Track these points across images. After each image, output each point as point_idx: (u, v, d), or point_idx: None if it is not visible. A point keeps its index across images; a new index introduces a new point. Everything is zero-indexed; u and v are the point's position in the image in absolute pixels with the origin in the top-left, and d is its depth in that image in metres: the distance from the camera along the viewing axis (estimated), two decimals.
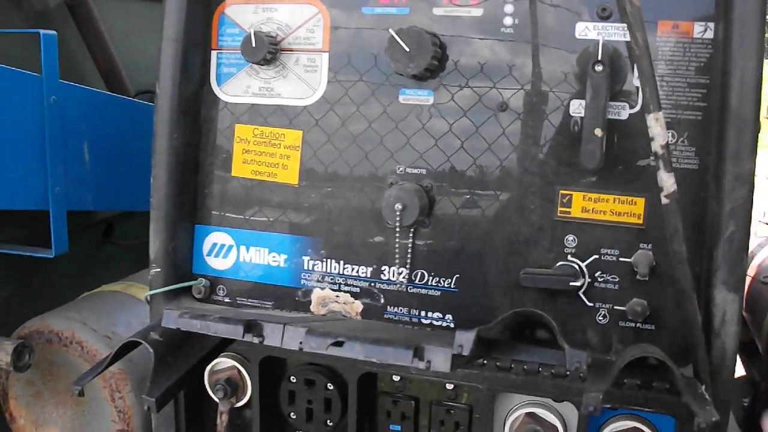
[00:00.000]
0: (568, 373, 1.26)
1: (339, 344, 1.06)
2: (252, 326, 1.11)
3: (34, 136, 1.80)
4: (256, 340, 1.11)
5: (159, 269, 1.42)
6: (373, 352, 1.06)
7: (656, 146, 1.13)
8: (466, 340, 1.04)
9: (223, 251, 1.43)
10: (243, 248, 1.41)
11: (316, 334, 1.08)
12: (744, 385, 2.24)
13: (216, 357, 1.27)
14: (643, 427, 1.31)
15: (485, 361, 1.29)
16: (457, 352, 1.04)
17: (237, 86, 1.41)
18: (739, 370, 1.93)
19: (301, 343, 1.08)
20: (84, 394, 1.18)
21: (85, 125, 1.96)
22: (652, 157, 1.15)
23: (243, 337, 1.10)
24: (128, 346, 1.23)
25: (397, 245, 1.32)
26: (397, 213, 1.28)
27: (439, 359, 1.05)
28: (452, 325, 1.33)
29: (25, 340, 1.86)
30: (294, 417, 1.47)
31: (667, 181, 1.13)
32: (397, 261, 1.33)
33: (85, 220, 1.94)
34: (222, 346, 1.28)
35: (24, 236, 2.12)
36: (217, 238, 1.43)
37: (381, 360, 1.06)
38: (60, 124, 1.83)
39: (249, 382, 1.47)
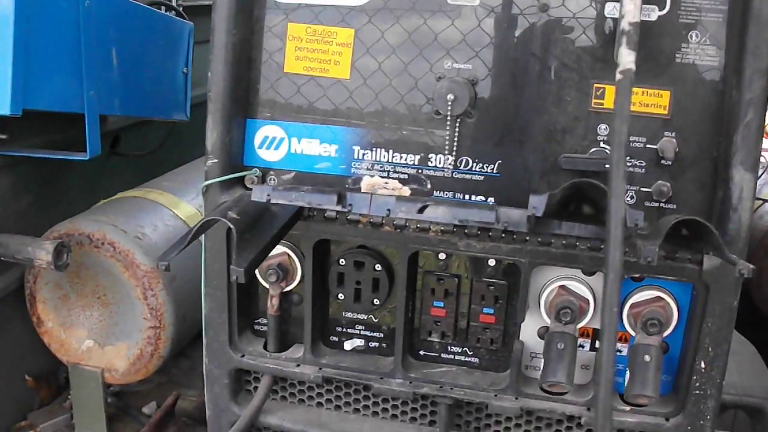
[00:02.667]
0: (602, 246, 1.40)
1: (423, 209, 1.17)
2: (341, 196, 1.22)
3: (71, 40, 1.86)
4: (345, 209, 1.21)
5: (216, 160, 1.51)
6: (459, 214, 1.17)
7: (624, 23, 1.23)
8: (539, 202, 1.16)
9: (275, 143, 1.52)
10: (294, 140, 1.51)
11: (404, 200, 1.19)
12: None
13: (282, 237, 1.37)
14: (665, 296, 1.46)
15: (528, 237, 1.42)
16: (532, 213, 1.16)
17: None
18: None
19: (389, 210, 1.19)
20: (170, 269, 1.26)
21: (114, 31, 2.01)
22: (677, 54, 1.29)
23: (336, 206, 1.20)
24: (207, 225, 1.33)
25: (446, 134, 1.43)
26: (449, 103, 1.39)
27: (516, 219, 1.17)
28: None
29: (62, 240, 1.93)
30: (342, 298, 1.58)
31: (626, 58, 1.21)
32: (445, 149, 1.44)
33: None
34: (288, 226, 1.38)
35: (46, 143, 2.17)
36: (268, 131, 1.52)
37: (466, 220, 1.18)
38: (94, 28, 1.89)
39: (299, 267, 1.58)
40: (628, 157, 1.41)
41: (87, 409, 2.21)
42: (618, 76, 1.21)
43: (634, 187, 1.42)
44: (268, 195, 1.28)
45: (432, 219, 1.23)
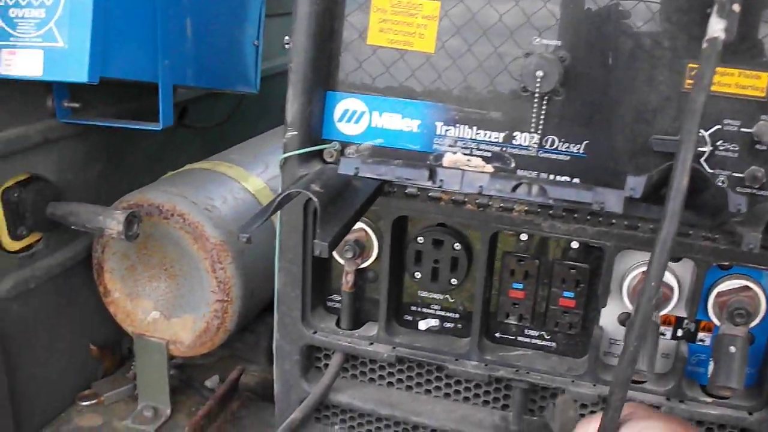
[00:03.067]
0: (690, 232, 1.36)
1: (517, 187, 1.13)
2: (433, 171, 1.19)
3: (147, 9, 1.85)
4: (436, 185, 1.18)
5: (295, 132, 1.48)
6: (555, 193, 1.14)
7: None
8: (637, 183, 1.13)
9: (355, 117, 1.49)
10: (375, 114, 1.48)
11: (497, 177, 1.16)
12: None
13: (364, 212, 1.34)
14: (753, 285, 1.41)
15: (615, 220, 1.38)
16: (629, 194, 1.12)
17: None
18: None
19: (481, 186, 1.15)
20: (251, 241, 1.24)
21: (188, 1, 2.00)
22: None
23: (427, 181, 1.17)
24: (289, 197, 1.31)
25: (533, 112, 1.39)
26: (538, 80, 1.35)
27: (613, 200, 1.14)
28: None
29: (133, 210, 1.93)
30: (419, 277, 1.56)
31: (715, 26, 1.15)
32: (531, 127, 1.40)
33: None
34: (370, 201, 1.36)
35: (117, 112, 2.18)
36: (349, 104, 1.49)
37: (562, 199, 1.14)
38: None
39: (375, 244, 1.56)
40: (720, 141, 1.35)
41: (151, 380, 2.22)
42: (704, 44, 1.16)
43: (726, 172, 1.36)
44: (357, 168, 1.26)
45: (526, 198, 1.19)
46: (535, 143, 1.41)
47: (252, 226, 1.25)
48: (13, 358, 2.02)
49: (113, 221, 1.88)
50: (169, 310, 2.16)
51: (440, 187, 1.20)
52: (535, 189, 1.14)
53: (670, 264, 1.44)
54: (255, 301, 2.11)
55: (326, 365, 1.68)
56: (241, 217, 2.08)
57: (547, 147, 1.41)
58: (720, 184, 1.37)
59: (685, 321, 1.48)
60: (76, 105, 2.01)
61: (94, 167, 2.20)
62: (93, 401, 2.31)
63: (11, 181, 1.91)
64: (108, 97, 2.16)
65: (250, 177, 2.28)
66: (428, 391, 1.65)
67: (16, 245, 1.98)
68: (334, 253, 1.59)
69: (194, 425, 1.96)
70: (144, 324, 2.18)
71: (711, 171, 1.37)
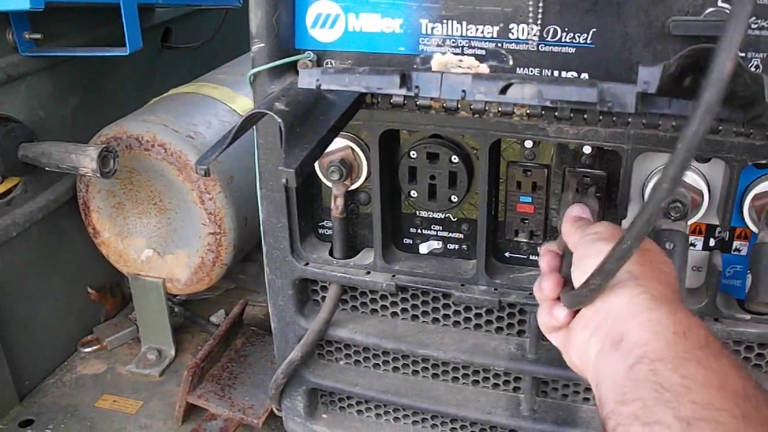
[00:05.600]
0: (720, 128, 1.17)
1: (507, 89, 0.95)
2: (405, 77, 1.01)
3: None
4: (411, 93, 1.01)
5: (262, 44, 1.31)
6: (551, 93, 0.96)
7: None
8: (651, 75, 0.94)
9: (329, 21, 1.30)
10: (352, 16, 1.29)
11: (482, 78, 0.98)
12: None
13: (341, 129, 1.17)
14: None
15: (630, 119, 1.19)
16: (642, 89, 0.95)
17: None
18: None
19: (464, 91, 0.98)
20: (210, 173, 1.08)
21: None
22: None
23: (398, 89, 1.00)
24: (250, 120, 1.14)
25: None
26: None
27: (623, 97, 0.96)
28: None
29: (108, 145, 1.78)
30: (415, 195, 1.39)
31: None
32: (529, 17, 1.21)
33: (141, 24, 1.83)
34: (347, 116, 1.18)
35: (87, 41, 2.01)
36: (321, 7, 1.30)
37: (560, 100, 0.96)
38: None
39: (364, 162, 1.39)
40: (753, 18, 1.15)
41: (151, 321, 2.11)
42: None
43: (761, 54, 1.17)
44: (318, 80, 1.08)
45: (517, 101, 1.02)
46: (534, 35, 1.22)
47: (209, 157, 1.09)
48: (4, 309, 1.90)
49: (86, 158, 1.73)
50: (163, 247, 2.02)
51: (416, 94, 1.02)
52: (528, 90, 0.96)
53: (698, 165, 1.26)
54: (250, 230, 1.96)
55: (323, 298, 1.53)
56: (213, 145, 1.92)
57: (548, 39, 1.22)
58: (754, 69, 1.17)
59: (718, 229, 1.30)
60: (38, 36, 1.83)
61: (68, 102, 2.04)
62: (95, 347, 2.20)
63: None
64: (74, 25, 1.98)
65: (238, 97, 2.10)
66: (436, 320, 1.50)
67: None
68: (320, 176, 1.43)
69: (193, 369, 1.84)
70: (138, 263, 2.05)
71: (742, 54, 1.17)
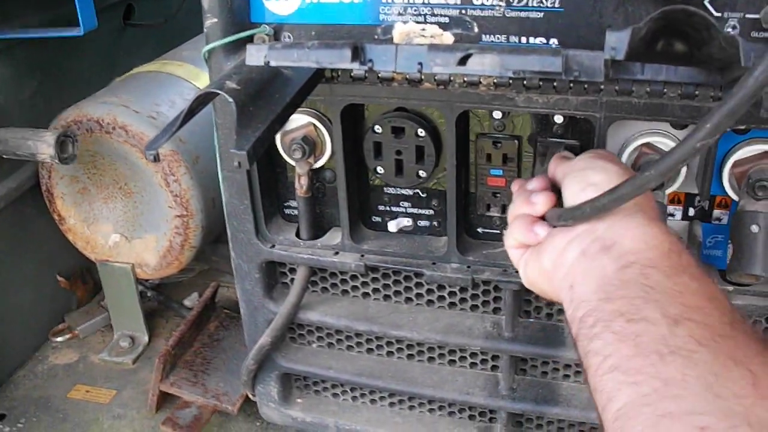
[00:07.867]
0: (697, 93, 1.12)
1: (466, 60, 0.89)
2: (358, 50, 0.95)
3: None
4: (364, 67, 0.95)
5: (215, 19, 1.25)
6: (513, 63, 0.90)
7: None
8: (619, 41, 0.88)
9: None
10: None
11: (439, 49, 0.92)
12: None
13: (298, 106, 1.11)
14: None
15: (603, 86, 1.14)
16: (610, 56, 0.89)
17: None
18: None
19: (420, 63, 0.92)
20: (159, 159, 1.03)
21: None
22: None
23: (350, 63, 0.94)
24: (201, 99, 1.08)
25: None
26: None
27: (589, 65, 0.90)
28: None
29: (66, 129, 1.72)
30: (382, 172, 1.34)
31: None
32: None
33: (101, 2, 1.75)
34: (304, 92, 1.12)
35: (44, 21, 1.93)
36: None
37: (523, 70, 0.91)
38: None
39: (328, 139, 1.33)
40: None
41: (123, 307, 2.05)
42: None
43: (737, 14, 1.10)
44: (266, 56, 1.02)
45: (477, 72, 0.96)
46: (500, 0, 1.16)
47: (158, 142, 1.03)
48: None
49: (44, 144, 1.66)
50: (130, 232, 1.97)
51: (370, 68, 0.96)
52: (488, 60, 0.90)
53: (674, 132, 1.21)
54: (218, 211, 1.89)
55: (292, 281, 1.47)
56: (193, 122, 1.85)
57: (515, 4, 1.16)
58: (730, 31, 1.11)
59: (697, 198, 1.25)
60: None
61: (26, 86, 1.96)
62: (67, 336, 2.15)
63: None
64: (28, 5, 1.90)
65: (203, 74, 2.04)
66: (408, 300, 1.45)
67: None
68: (282, 154, 1.37)
69: (164, 356, 1.79)
70: (106, 249, 1.99)
71: (718, 14, 1.11)
